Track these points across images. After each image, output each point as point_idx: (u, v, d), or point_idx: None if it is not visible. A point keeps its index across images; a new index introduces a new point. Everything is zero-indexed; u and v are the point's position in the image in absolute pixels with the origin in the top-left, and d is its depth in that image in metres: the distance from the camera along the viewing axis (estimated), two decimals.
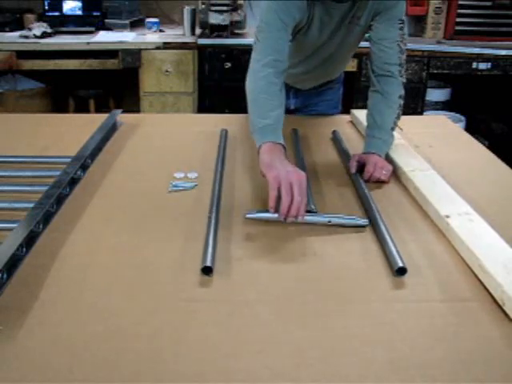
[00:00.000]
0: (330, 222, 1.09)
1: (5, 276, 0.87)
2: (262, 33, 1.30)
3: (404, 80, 1.40)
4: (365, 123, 1.47)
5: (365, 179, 1.27)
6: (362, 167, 1.31)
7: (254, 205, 1.16)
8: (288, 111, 1.77)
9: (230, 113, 1.90)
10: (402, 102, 1.39)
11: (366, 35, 1.46)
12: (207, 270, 0.91)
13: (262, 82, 1.26)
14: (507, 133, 3.40)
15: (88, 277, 0.91)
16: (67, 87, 3.36)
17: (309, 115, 1.78)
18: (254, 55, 1.32)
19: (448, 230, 1.05)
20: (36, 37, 3.01)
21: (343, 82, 1.84)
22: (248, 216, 1.08)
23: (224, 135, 1.55)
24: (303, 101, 1.77)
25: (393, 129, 1.37)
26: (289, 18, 1.29)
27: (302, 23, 1.37)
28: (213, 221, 1.06)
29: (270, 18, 1.29)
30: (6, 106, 3.10)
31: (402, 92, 1.39)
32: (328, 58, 1.53)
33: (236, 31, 3.24)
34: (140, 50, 3.04)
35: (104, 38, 3.14)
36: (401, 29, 1.37)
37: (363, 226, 1.08)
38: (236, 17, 3.16)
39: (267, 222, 1.09)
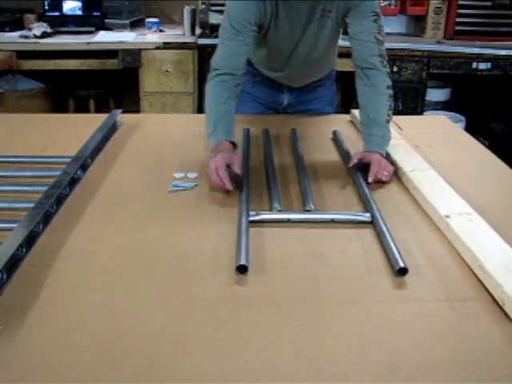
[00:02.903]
0: (333, 219, 1.10)
1: (5, 276, 0.87)
2: (221, 39, 1.39)
3: (388, 70, 1.40)
4: None
5: (369, 179, 1.26)
6: (363, 165, 1.31)
7: (254, 204, 1.16)
8: (282, 107, 1.79)
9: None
10: (391, 92, 1.38)
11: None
12: None
13: (212, 92, 1.37)
14: (507, 133, 3.40)
15: (88, 277, 0.91)
16: (67, 87, 3.35)
17: (308, 114, 1.78)
18: (213, 58, 1.39)
19: (448, 229, 1.05)
20: (36, 37, 3.01)
21: (336, 80, 1.85)
22: (252, 219, 1.08)
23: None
24: (296, 97, 1.78)
25: (388, 121, 1.37)
26: (240, 23, 1.34)
27: (265, 23, 1.41)
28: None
29: (225, 24, 1.37)
30: (5, 106, 3.10)
31: (390, 82, 1.39)
32: (308, 55, 1.56)
33: None
34: (140, 49, 3.04)
35: (104, 37, 3.14)
36: (375, 21, 1.37)
37: (367, 222, 1.09)
38: None
39: (267, 222, 1.09)
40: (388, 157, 1.38)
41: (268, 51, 1.59)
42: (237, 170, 1.21)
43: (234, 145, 1.30)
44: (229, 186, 1.18)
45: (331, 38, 1.53)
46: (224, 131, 1.30)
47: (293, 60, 1.57)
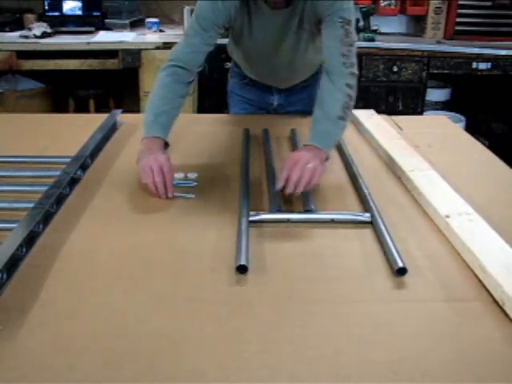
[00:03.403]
0: (333, 220, 1.10)
1: (5, 276, 0.87)
2: (185, 35, 1.39)
3: (351, 70, 1.29)
4: (365, 123, 1.47)
5: (276, 185, 1.16)
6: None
7: (254, 204, 1.16)
8: (272, 108, 1.80)
9: (229, 113, 1.91)
10: (349, 91, 1.27)
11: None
12: None
13: (162, 82, 1.35)
14: (507, 133, 3.40)
15: (88, 277, 0.91)
16: (67, 87, 3.35)
17: (306, 114, 1.78)
18: (172, 51, 1.39)
19: (448, 229, 1.05)
20: (36, 37, 3.01)
21: None
22: (251, 219, 1.08)
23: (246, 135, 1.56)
24: (286, 97, 1.78)
25: (341, 118, 1.25)
26: (207, 22, 1.35)
27: (235, 26, 1.43)
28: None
29: (192, 21, 1.37)
30: (5, 106, 3.10)
31: (350, 81, 1.28)
32: (290, 63, 1.56)
33: None
34: (140, 50, 3.04)
35: (104, 38, 3.14)
36: (342, 26, 1.30)
37: (367, 223, 1.08)
38: None
39: (266, 222, 1.09)
40: (388, 156, 1.37)
41: (249, 58, 1.61)
42: (168, 185, 1.18)
43: (166, 144, 1.29)
44: (163, 195, 1.18)
45: (311, 45, 1.52)
46: (162, 128, 1.28)
47: (275, 66, 1.59)
